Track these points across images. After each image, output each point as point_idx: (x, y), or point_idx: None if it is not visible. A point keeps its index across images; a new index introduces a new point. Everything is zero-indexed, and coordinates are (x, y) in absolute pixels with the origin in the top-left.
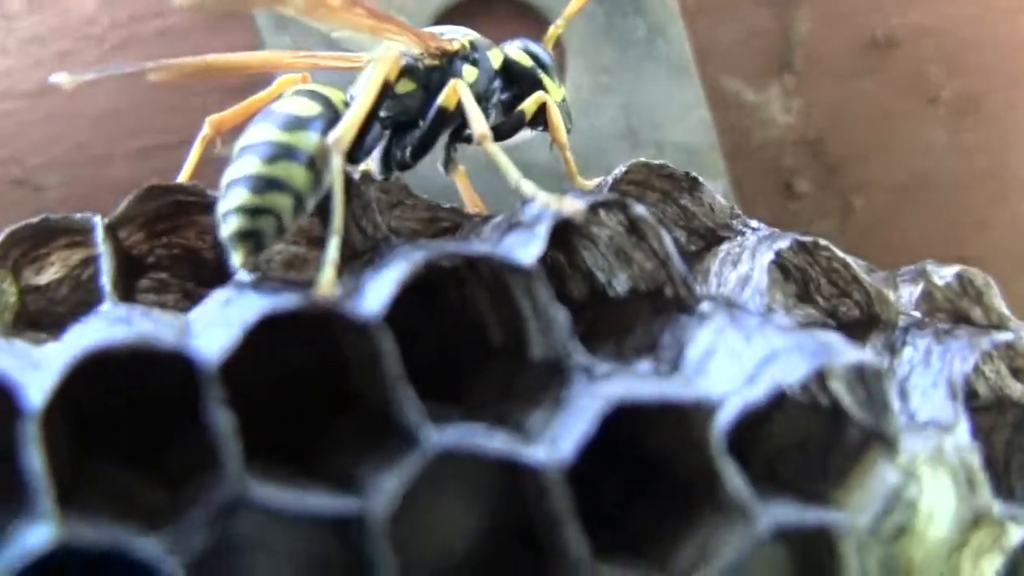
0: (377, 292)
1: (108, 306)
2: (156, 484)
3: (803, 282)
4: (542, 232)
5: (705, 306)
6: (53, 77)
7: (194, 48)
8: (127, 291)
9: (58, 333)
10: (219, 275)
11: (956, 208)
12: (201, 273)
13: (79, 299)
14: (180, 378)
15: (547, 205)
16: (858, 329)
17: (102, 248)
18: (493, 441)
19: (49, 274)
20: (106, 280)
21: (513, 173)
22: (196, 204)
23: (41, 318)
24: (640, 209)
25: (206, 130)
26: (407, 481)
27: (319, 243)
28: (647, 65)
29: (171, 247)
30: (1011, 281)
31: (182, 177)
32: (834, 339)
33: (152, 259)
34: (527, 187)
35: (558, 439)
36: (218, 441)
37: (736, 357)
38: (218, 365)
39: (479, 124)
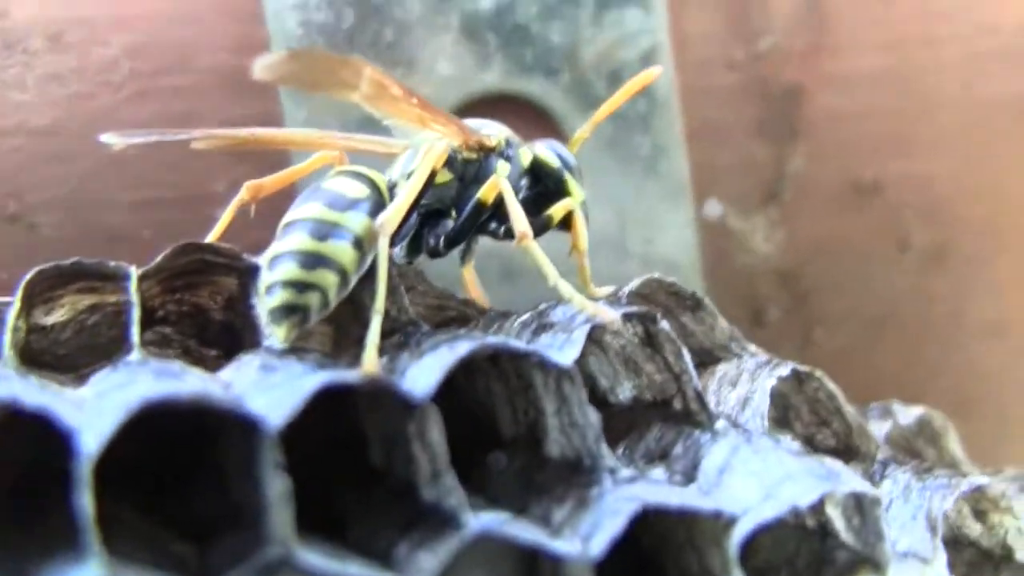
0: (424, 377)
1: (137, 356)
2: (174, 533)
3: (783, 407)
4: (579, 338)
5: (719, 424)
6: (104, 136)
7: (211, 109)
8: None
9: (57, 374)
10: (224, 336)
11: (914, 350)
12: (205, 332)
13: (81, 343)
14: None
15: (583, 309)
16: (833, 457)
17: (134, 298)
18: (525, 531)
19: (56, 315)
20: (135, 330)
21: (552, 273)
22: (222, 265)
23: (42, 357)
24: (664, 324)
25: (243, 195)
26: (445, 561)
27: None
28: (646, 182)
29: (182, 303)
30: (962, 424)
31: (212, 237)
32: (839, 466)
33: (161, 312)
34: (565, 289)
35: (591, 537)
36: (269, 504)
37: (753, 476)
38: (278, 430)
39: (520, 222)
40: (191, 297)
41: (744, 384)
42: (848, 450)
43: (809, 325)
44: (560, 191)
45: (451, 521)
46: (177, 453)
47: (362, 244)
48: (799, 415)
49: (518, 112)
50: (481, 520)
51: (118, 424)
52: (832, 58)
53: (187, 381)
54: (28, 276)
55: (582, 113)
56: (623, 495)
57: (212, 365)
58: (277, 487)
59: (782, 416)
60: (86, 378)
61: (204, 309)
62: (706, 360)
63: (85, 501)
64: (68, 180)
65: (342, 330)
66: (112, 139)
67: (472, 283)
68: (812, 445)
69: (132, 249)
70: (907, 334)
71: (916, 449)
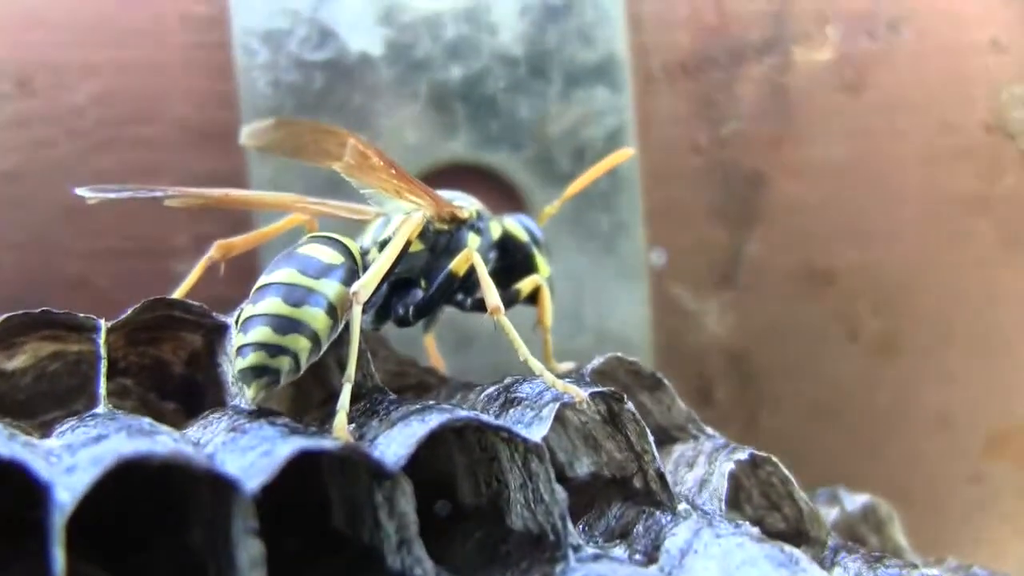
0: (395, 447)
1: (103, 409)
2: None
3: (734, 488)
4: (548, 415)
5: (681, 506)
6: (78, 190)
7: (176, 162)
8: None
9: (16, 420)
10: (183, 391)
11: (856, 437)
12: (165, 386)
13: (40, 389)
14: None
15: (552, 386)
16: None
17: (103, 351)
18: None
19: (18, 361)
20: (103, 383)
21: (523, 348)
22: (188, 322)
23: (1, 401)
24: (630, 405)
25: (213, 253)
26: None
27: None
28: (605, 258)
29: (144, 356)
30: (899, 511)
31: (179, 293)
32: (798, 553)
33: (123, 364)
34: (535, 365)
35: None
36: (241, 567)
37: (714, 559)
38: (254, 494)
39: (492, 296)
40: (153, 351)
41: (701, 466)
42: (799, 535)
43: (755, 407)
44: (527, 265)
45: None
46: (135, 508)
47: (335, 311)
48: (750, 498)
49: (481, 183)
50: None
51: (93, 480)
52: (795, 146)
53: (160, 440)
54: None
55: (545, 187)
56: (588, 574)
57: (170, 419)
58: (251, 551)
59: (733, 497)
60: (46, 425)
61: (165, 363)
62: (662, 439)
63: (58, 556)
64: (27, 225)
65: (303, 392)
66: (86, 192)
67: (434, 351)
68: (762, 528)
69: (89, 298)
70: (851, 421)
71: (860, 535)
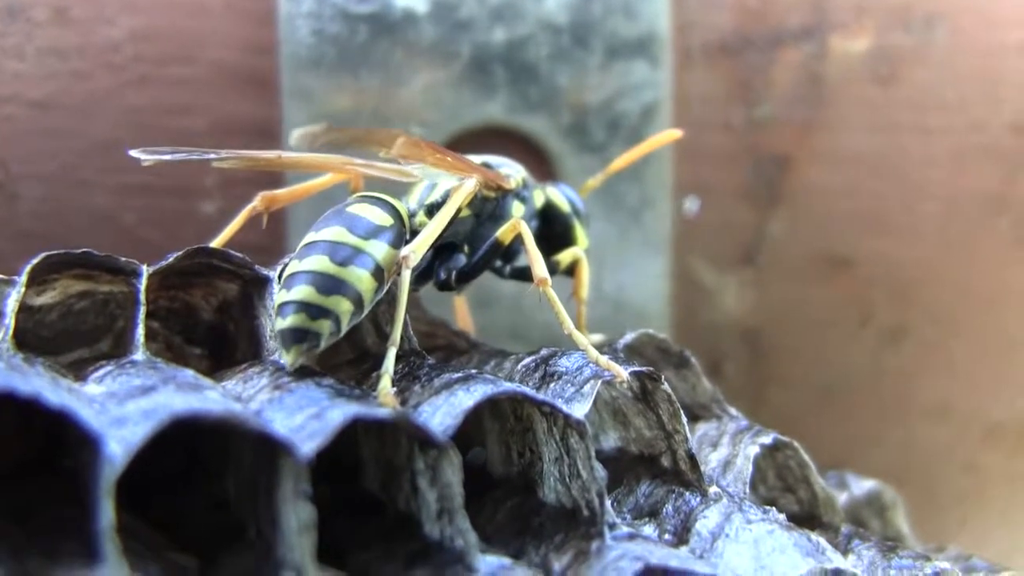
0: (440, 418)
1: (142, 356)
2: (168, 540)
3: None
4: (589, 392)
5: (712, 489)
6: (133, 152)
7: (211, 105)
8: None
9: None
10: (210, 338)
11: (858, 420)
12: (192, 331)
13: (64, 327)
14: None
15: (595, 362)
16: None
17: (142, 297)
18: None
19: (46, 297)
20: (141, 330)
21: (567, 322)
22: (225, 271)
23: (25, 337)
24: (666, 385)
25: (256, 203)
26: None
27: None
28: (630, 229)
29: (174, 300)
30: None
31: (218, 242)
32: (824, 542)
33: (152, 307)
34: (579, 339)
35: None
36: (290, 531)
37: (746, 544)
38: (309, 459)
39: (540, 268)
40: (183, 295)
41: (725, 447)
42: (811, 519)
43: (763, 384)
44: (567, 235)
45: (459, 562)
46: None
47: (382, 273)
48: (765, 478)
49: (515, 147)
50: (489, 564)
51: (145, 436)
52: (824, 134)
53: (209, 396)
54: (34, 261)
55: (577, 155)
56: (625, 553)
57: (195, 364)
58: (302, 516)
59: None
60: (73, 365)
61: (194, 308)
62: (686, 417)
63: (107, 511)
64: (57, 156)
65: (332, 347)
66: (140, 155)
67: (463, 312)
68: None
69: (113, 232)
70: (854, 405)
71: (862, 519)
